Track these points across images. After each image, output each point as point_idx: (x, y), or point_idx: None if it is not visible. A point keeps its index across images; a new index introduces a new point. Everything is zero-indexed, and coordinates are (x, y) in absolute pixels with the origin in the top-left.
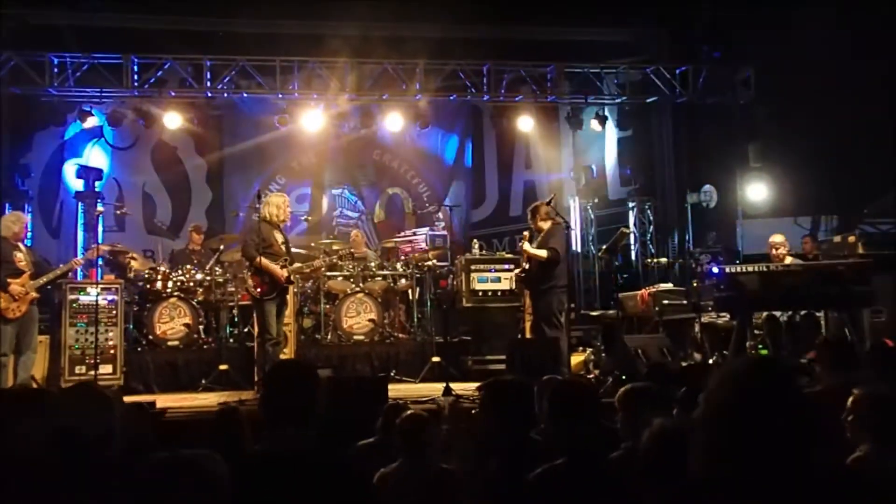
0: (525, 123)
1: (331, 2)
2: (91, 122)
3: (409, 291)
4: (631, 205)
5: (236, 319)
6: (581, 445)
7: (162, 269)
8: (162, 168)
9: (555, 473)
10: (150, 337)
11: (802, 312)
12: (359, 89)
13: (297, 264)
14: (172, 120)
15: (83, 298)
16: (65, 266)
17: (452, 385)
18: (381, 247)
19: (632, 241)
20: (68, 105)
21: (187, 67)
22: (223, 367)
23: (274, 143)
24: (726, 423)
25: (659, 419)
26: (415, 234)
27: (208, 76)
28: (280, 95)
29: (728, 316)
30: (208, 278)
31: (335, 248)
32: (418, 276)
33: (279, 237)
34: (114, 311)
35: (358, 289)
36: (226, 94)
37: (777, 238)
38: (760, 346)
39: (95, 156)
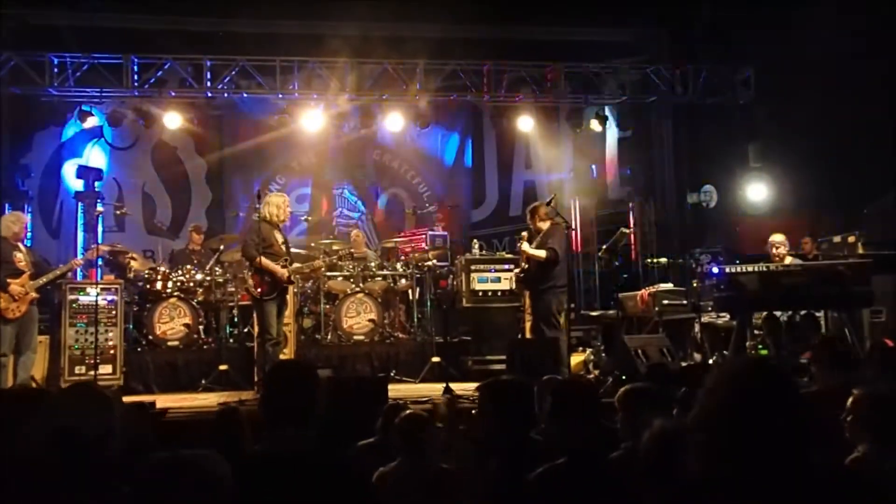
0: (525, 123)
1: (331, 2)
2: (91, 122)
3: (409, 291)
4: (631, 205)
5: (236, 319)
6: (581, 445)
7: (162, 269)
8: (162, 168)
9: (555, 473)
10: (150, 337)
11: (802, 312)
12: (359, 89)
13: (297, 264)
14: (172, 120)
15: (83, 299)
16: (65, 266)
17: (452, 385)
18: (381, 247)
19: (632, 241)
20: (68, 105)
21: (187, 67)
22: (223, 367)
23: (274, 143)
24: (725, 423)
25: (659, 419)
26: (415, 234)
27: (208, 76)
28: (280, 95)
29: (728, 316)
30: (208, 278)
31: (335, 248)
32: (418, 276)
33: (279, 237)
34: (114, 312)
35: (358, 289)
36: (226, 94)
37: (777, 238)
38: (760, 346)
39: (95, 156)
